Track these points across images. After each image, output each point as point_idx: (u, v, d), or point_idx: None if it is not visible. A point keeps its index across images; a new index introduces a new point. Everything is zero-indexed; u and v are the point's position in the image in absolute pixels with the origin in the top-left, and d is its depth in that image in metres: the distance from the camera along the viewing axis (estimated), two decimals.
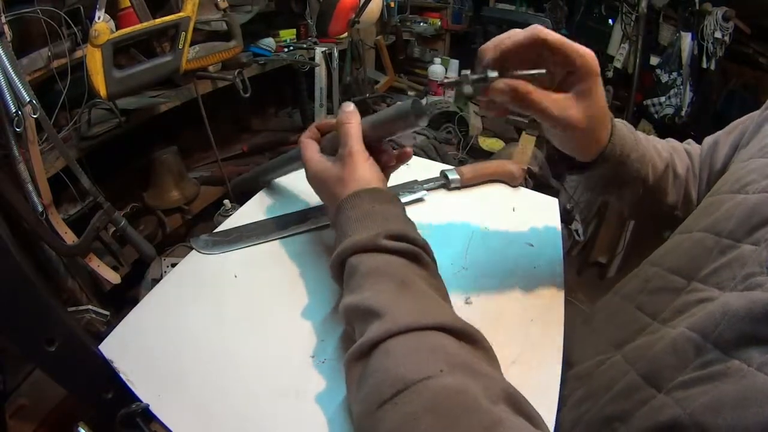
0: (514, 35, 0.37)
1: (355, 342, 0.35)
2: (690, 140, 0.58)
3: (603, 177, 0.49)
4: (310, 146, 0.51)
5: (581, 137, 0.42)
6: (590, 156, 0.45)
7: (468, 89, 0.38)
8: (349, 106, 0.47)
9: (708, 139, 0.55)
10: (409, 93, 1.75)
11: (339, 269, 0.41)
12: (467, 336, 0.33)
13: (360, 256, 0.39)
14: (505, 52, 0.37)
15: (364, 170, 0.44)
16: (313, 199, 0.66)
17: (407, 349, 0.31)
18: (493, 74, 0.37)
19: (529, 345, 0.46)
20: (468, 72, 0.38)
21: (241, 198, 0.72)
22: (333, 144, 0.49)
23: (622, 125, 0.46)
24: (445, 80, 0.42)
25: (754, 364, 0.29)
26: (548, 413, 0.40)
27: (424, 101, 0.52)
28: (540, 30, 0.37)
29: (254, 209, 0.65)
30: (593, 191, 0.55)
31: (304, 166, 0.50)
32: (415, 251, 0.39)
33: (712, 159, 0.52)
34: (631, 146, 0.46)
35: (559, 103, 0.38)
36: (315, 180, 0.48)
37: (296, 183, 0.72)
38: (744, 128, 0.49)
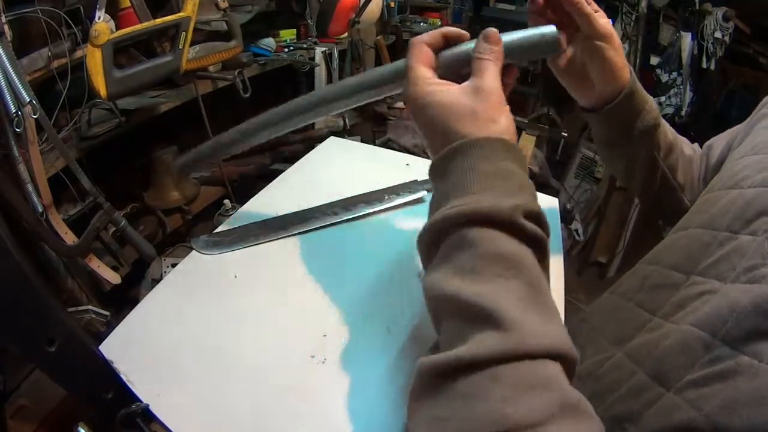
0: None
1: (441, 344, 0.29)
2: (695, 143, 0.60)
3: (624, 118, 0.51)
4: (425, 56, 0.38)
5: (614, 55, 0.47)
6: (618, 83, 0.48)
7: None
8: (495, 35, 0.37)
9: (706, 143, 0.57)
10: None
11: (441, 236, 0.32)
12: (573, 365, 0.28)
13: (483, 231, 0.30)
14: None
15: (502, 112, 0.35)
16: (313, 199, 0.65)
17: (522, 380, 0.25)
18: None
19: None
20: None
21: (240, 198, 0.72)
22: (453, 67, 0.39)
23: None
24: None
25: (764, 359, 0.28)
26: None
27: None
28: None
29: (254, 209, 0.65)
30: (612, 138, 0.54)
31: (406, 79, 0.38)
32: (545, 240, 0.32)
33: (708, 159, 0.54)
34: (646, 96, 0.51)
35: (602, 16, 0.46)
36: (426, 100, 0.36)
37: (297, 183, 0.72)
38: (739, 130, 0.51)
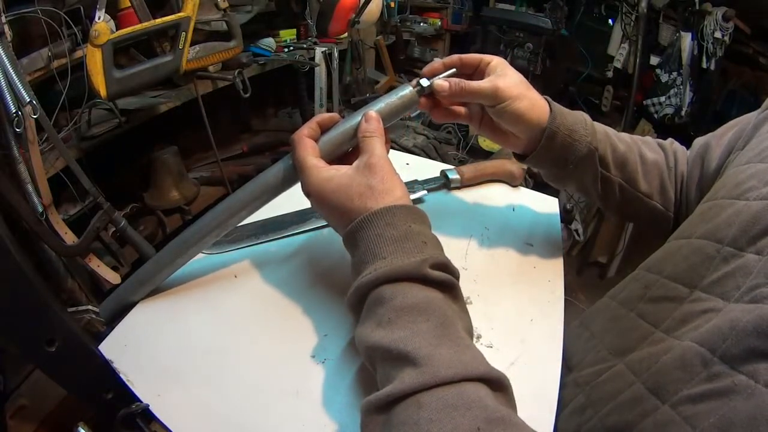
0: (439, 60, 0.49)
1: (378, 385, 0.32)
2: (671, 139, 0.58)
3: (554, 157, 0.50)
4: (310, 147, 0.42)
5: (519, 106, 0.46)
6: (537, 127, 0.48)
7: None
8: (373, 116, 0.42)
9: (699, 140, 0.55)
10: None
11: (363, 297, 0.36)
12: (500, 384, 0.31)
13: (396, 286, 0.34)
14: (436, 70, 0.48)
15: (395, 182, 0.39)
16: None
17: (443, 403, 0.28)
18: (428, 81, 0.47)
19: (529, 345, 0.46)
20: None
21: None
22: (334, 148, 0.43)
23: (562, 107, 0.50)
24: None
25: (761, 380, 0.28)
26: (548, 414, 0.40)
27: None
28: (457, 55, 0.50)
29: None
30: (552, 173, 0.53)
31: (301, 174, 0.42)
32: (453, 283, 0.36)
33: (705, 160, 0.52)
34: (576, 119, 0.50)
35: (486, 82, 0.46)
36: (326, 187, 0.40)
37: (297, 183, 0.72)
38: (740, 130, 0.49)
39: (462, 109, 0.52)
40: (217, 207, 0.47)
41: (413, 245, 0.36)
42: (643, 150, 0.54)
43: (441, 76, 0.47)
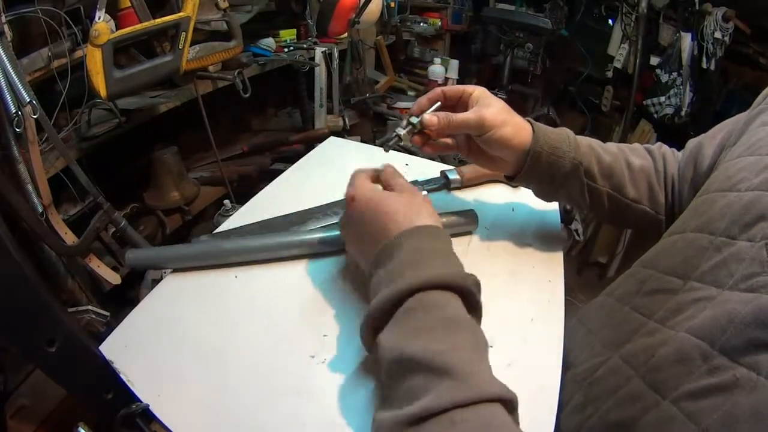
0: (423, 97, 0.52)
1: (396, 399, 0.32)
2: (660, 143, 0.60)
3: (540, 174, 0.52)
4: (365, 175, 0.47)
5: (503, 133, 0.49)
6: (522, 149, 0.50)
7: (401, 130, 0.51)
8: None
9: (692, 141, 0.56)
10: (409, 93, 1.75)
11: (396, 303, 0.35)
12: (513, 405, 0.31)
13: (440, 294, 0.35)
14: (422, 106, 0.52)
15: (432, 210, 0.43)
16: (313, 199, 0.66)
17: (478, 424, 0.28)
18: (416, 119, 0.50)
19: (529, 345, 0.46)
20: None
21: (240, 198, 0.72)
22: None
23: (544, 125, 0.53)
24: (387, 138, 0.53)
25: (763, 372, 0.28)
26: (549, 414, 0.40)
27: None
28: (439, 88, 0.52)
29: (254, 209, 0.65)
30: (541, 190, 0.56)
31: (351, 184, 0.46)
32: (481, 313, 0.38)
33: (698, 159, 0.52)
34: (560, 137, 0.52)
35: (471, 113, 0.49)
36: (376, 193, 0.44)
37: (297, 183, 0.72)
38: (731, 129, 0.50)
39: (450, 140, 0.55)
40: (267, 236, 0.55)
41: (456, 262, 0.39)
42: (630, 158, 0.56)
43: (428, 111, 0.51)
